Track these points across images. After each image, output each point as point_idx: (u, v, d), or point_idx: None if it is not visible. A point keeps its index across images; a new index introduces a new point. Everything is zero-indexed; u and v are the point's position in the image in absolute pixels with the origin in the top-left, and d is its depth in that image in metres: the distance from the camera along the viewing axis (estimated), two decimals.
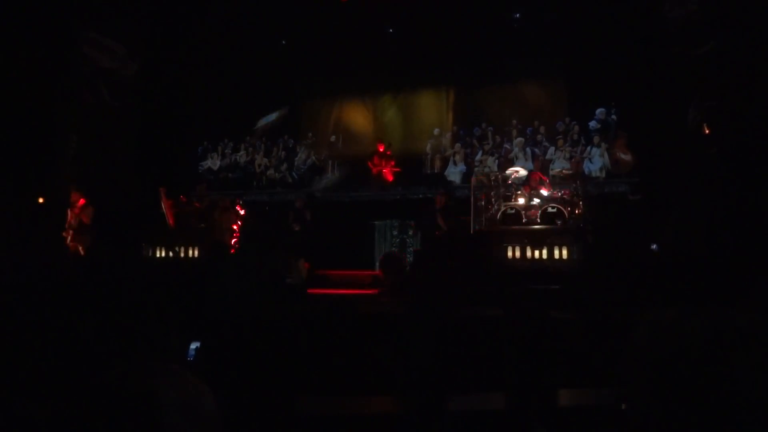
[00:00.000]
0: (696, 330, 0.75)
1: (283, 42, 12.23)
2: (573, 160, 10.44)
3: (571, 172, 9.49)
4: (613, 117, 10.44)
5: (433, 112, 11.96)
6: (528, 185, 8.48)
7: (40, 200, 8.04)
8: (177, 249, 8.90)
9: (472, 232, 8.51)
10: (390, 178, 10.58)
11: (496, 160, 11.04)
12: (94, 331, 2.39)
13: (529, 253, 7.36)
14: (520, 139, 11.08)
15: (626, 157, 10.10)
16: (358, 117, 12.46)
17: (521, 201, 8.25)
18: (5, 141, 8.97)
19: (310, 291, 7.81)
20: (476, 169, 11.04)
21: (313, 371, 2.27)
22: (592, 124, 10.60)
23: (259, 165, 12.63)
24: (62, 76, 9.84)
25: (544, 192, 8.25)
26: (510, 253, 7.39)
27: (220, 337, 2.45)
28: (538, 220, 7.84)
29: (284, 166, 12.49)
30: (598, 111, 10.56)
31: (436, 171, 11.53)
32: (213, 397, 0.83)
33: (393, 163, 10.54)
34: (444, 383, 2.15)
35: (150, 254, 8.92)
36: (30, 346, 2.12)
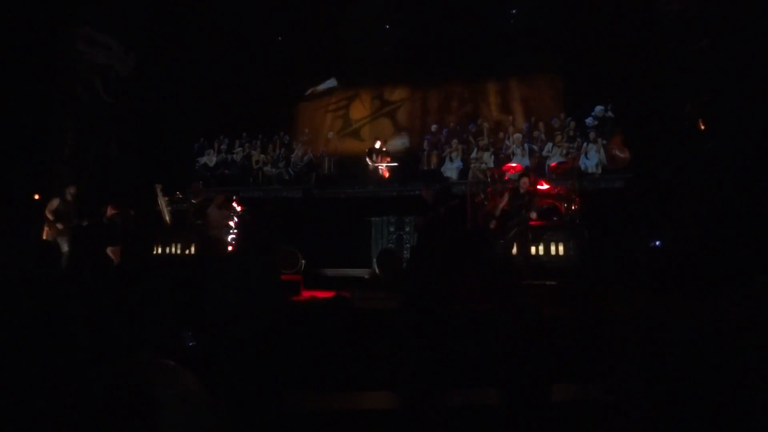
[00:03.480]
0: (681, 322, 0.76)
1: (280, 38, 12.21)
2: (569, 156, 10.46)
3: (567, 165, 9.50)
4: (610, 114, 10.45)
5: (429, 108, 11.96)
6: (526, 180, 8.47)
7: (36, 197, 8.03)
8: (173, 246, 8.90)
9: (468, 227, 8.52)
10: (386, 174, 10.58)
11: (492, 156, 11.05)
12: (91, 328, 2.39)
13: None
14: (518, 135, 11.08)
15: (623, 154, 10.13)
16: (355, 113, 12.45)
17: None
18: (0, 138, 8.94)
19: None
20: (473, 165, 11.05)
21: (308, 367, 2.28)
22: (589, 120, 10.61)
23: (256, 161, 12.62)
24: (57, 72, 9.80)
25: (543, 186, 8.23)
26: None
27: (216, 334, 2.46)
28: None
29: (281, 163, 12.47)
30: (597, 108, 10.56)
31: (432, 167, 11.53)
32: (208, 393, 0.84)
33: (389, 159, 10.54)
34: (438, 379, 2.16)
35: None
36: (26, 343, 2.12)
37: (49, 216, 7.88)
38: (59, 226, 7.87)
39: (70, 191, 8.25)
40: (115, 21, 10.89)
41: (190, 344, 2.67)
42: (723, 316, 0.81)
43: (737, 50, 7.60)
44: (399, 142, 11.55)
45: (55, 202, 7.95)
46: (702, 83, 8.23)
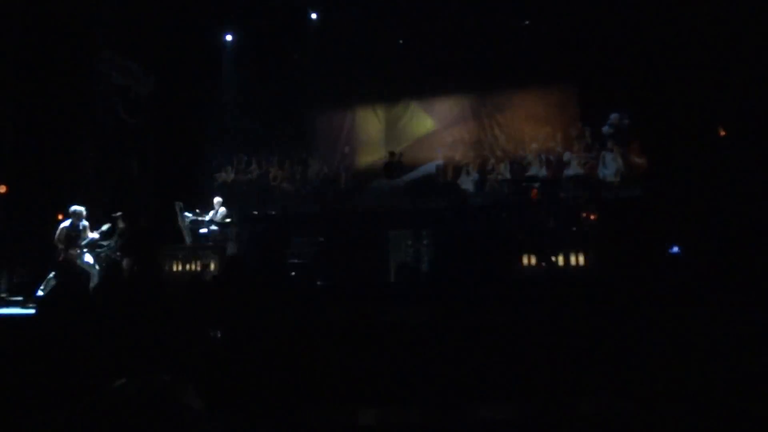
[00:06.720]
0: (711, 333, 0.75)
1: (296, 56, 12.36)
2: (587, 165, 10.36)
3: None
4: (626, 121, 10.34)
5: (445, 121, 11.98)
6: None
7: (60, 216, 8.17)
8: (193, 263, 8.99)
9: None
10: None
11: (509, 167, 11.00)
12: (109, 344, 2.42)
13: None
14: (534, 145, 11.02)
15: (640, 160, 10.00)
16: (370, 128, 12.52)
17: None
18: (25, 158, 9.15)
19: None
20: (490, 176, 11.00)
21: (329, 380, 2.27)
22: (605, 129, 10.49)
23: (274, 178, 12.70)
24: (78, 93, 10.04)
25: None
26: (525, 260, 7.35)
27: (237, 349, 2.48)
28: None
29: (298, 179, 12.55)
30: (612, 116, 10.43)
31: (449, 180, 11.50)
32: (213, 412, 0.86)
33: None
34: (462, 392, 2.14)
35: (167, 268, 9.02)
36: (48, 358, 2.15)
37: (59, 245, 7.69)
38: (72, 251, 7.69)
39: (77, 215, 7.85)
40: (135, 43, 11.14)
41: (219, 335, 2.99)
42: (751, 326, 0.79)
43: (755, 57, 7.51)
44: (415, 155, 11.56)
45: (63, 231, 7.77)
46: (720, 90, 8.13)
